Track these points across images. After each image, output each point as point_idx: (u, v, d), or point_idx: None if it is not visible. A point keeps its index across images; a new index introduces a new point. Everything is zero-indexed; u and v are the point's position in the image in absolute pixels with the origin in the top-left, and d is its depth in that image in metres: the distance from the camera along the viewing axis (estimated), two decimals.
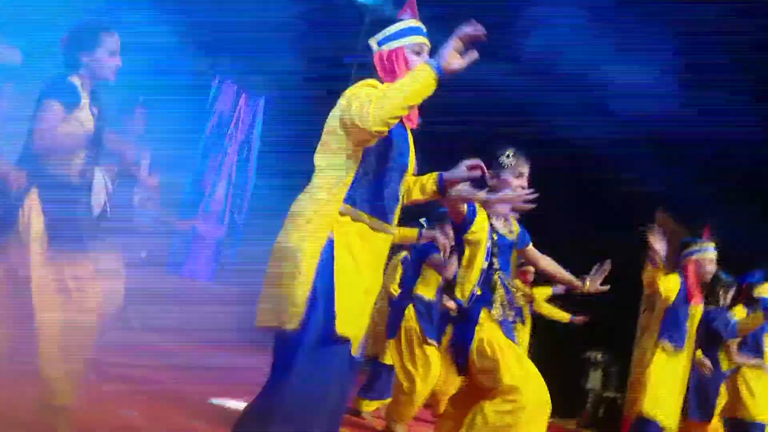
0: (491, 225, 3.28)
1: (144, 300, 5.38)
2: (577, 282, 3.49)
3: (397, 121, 2.38)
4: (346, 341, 2.37)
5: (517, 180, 3.28)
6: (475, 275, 3.18)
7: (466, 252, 3.27)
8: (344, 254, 2.40)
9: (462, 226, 3.27)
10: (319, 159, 2.52)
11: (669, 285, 4.47)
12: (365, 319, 2.52)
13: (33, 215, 2.99)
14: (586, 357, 10.82)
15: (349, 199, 2.45)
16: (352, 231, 2.44)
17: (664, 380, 4.40)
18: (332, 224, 2.41)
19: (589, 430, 9.94)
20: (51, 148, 3.03)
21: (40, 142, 3.01)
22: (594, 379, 10.73)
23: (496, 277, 3.21)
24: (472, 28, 2.35)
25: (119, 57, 3.23)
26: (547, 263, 3.61)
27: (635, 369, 4.68)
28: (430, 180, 2.88)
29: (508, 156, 3.31)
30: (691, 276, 4.55)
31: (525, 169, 3.33)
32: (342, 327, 2.35)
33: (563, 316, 7.51)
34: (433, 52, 2.50)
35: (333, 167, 2.47)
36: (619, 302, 10.16)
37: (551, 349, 5.32)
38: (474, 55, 2.36)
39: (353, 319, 2.40)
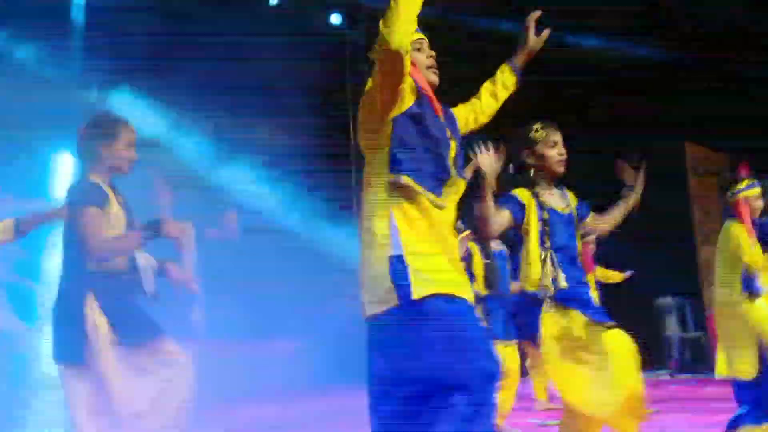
0: (540, 203, 3.15)
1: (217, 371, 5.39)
2: (630, 202, 3.32)
3: (412, 35, 2.30)
4: (440, 299, 2.27)
5: (552, 150, 3.21)
6: (533, 265, 3.08)
7: (525, 244, 3.17)
8: (406, 224, 2.34)
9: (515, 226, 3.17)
10: (362, 144, 2.48)
11: (743, 243, 4.31)
12: (456, 269, 2.41)
13: (97, 321, 3.00)
14: (658, 304, 10.67)
15: (394, 170, 2.37)
16: (407, 201, 2.37)
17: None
18: (388, 204, 2.36)
19: (683, 375, 9.78)
20: (108, 252, 3.07)
21: (99, 251, 3.03)
22: (671, 325, 10.57)
23: (546, 255, 3.10)
24: None
25: (135, 150, 3.25)
26: (606, 220, 3.39)
27: (715, 306, 4.55)
28: (505, 73, 2.81)
29: (537, 130, 3.22)
30: (743, 217, 4.43)
31: (558, 137, 3.22)
32: (420, 290, 2.26)
33: (617, 275, 7.34)
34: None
35: (373, 150, 2.43)
36: (674, 241, 10.03)
37: (621, 305, 5.23)
38: None
39: (435, 277, 2.31)
